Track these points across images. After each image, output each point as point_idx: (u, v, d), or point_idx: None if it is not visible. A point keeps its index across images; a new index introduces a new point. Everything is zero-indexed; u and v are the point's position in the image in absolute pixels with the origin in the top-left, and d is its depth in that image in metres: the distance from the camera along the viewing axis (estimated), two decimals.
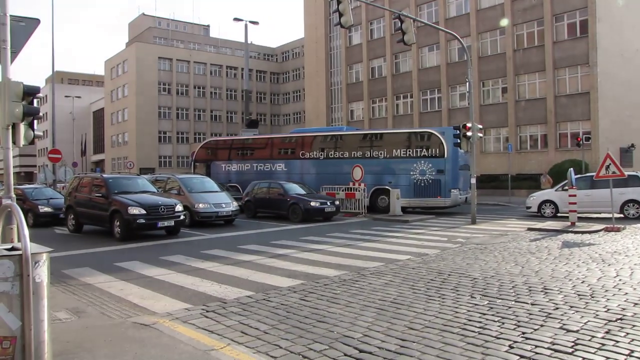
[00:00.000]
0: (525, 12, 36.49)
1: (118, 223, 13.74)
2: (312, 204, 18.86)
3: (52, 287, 6.96)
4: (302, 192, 20.16)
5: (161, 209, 13.98)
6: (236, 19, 35.70)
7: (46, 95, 74.36)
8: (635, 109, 37.45)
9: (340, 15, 15.58)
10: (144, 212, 13.57)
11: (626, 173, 16.27)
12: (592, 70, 33.20)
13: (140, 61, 63.68)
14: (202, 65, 69.19)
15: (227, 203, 17.81)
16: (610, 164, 14.61)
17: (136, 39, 75.61)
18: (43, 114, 76.00)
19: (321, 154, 24.43)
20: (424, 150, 21.60)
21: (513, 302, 6.44)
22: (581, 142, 27.61)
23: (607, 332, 5.20)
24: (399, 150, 22.20)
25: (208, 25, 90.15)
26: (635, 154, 34.96)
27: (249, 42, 41.23)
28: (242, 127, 44.48)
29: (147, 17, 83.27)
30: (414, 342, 5.03)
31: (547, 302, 6.42)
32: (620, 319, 5.67)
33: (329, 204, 19.27)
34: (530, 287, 7.27)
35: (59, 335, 5.25)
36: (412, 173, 21.28)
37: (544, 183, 24.36)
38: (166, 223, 14.00)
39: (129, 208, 13.50)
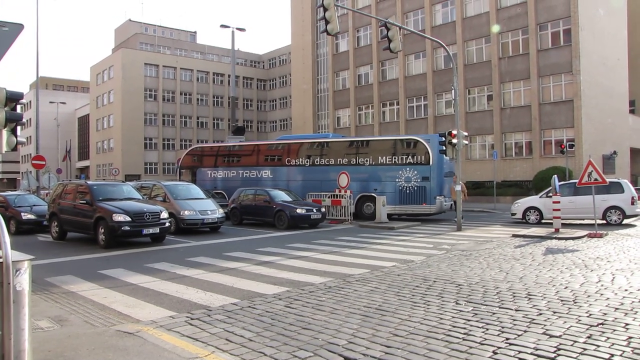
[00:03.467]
0: (510, 21, 36.96)
1: (102, 230, 13.61)
2: (298, 211, 18.85)
3: (34, 295, 6.91)
4: (288, 199, 20.14)
5: (146, 216, 13.88)
6: (223, 26, 35.63)
7: (30, 101, 73.70)
8: (617, 116, 38.09)
9: (327, 22, 15.65)
10: (128, 219, 13.46)
11: (608, 180, 16.51)
12: (575, 78, 33.69)
13: (126, 67, 63.38)
14: (189, 71, 69.05)
15: (212, 210, 17.75)
16: (592, 170, 14.80)
17: (122, 45, 75.21)
18: (27, 120, 75.30)
19: (307, 161, 24.45)
20: (410, 157, 21.72)
21: (497, 308, 6.48)
22: (565, 149, 27.96)
23: (588, 337, 5.26)
24: (384, 157, 22.31)
25: (195, 32, 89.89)
26: (617, 161, 35.47)
27: (235, 48, 41.26)
28: (229, 134, 44.40)
29: (134, 23, 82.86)
30: (398, 349, 5.04)
31: (531, 307, 6.47)
32: (602, 323, 5.73)
33: (315, 211, 19.27)
34: (514, 293, 7.32)
35: (41, 344, 5.19)
36: (397, 180, 21.39)
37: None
38: (151, 230, 13.90)
39: (114, 215, 13.39)
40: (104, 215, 13.60)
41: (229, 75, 66.05)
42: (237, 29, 36.22)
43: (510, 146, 37.53)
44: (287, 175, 24.85)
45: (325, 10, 15.61)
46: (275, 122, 73.55)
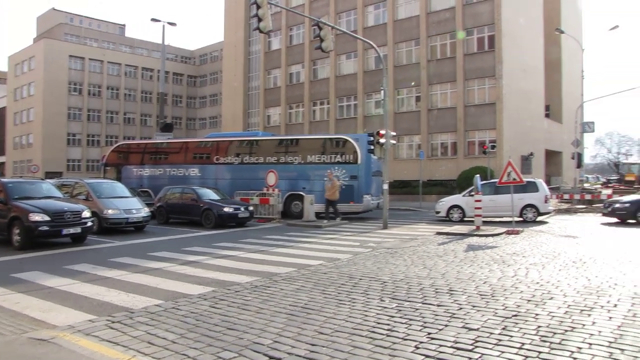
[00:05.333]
0: (439, 25, 38.16)
1: (18, 231, 12.85)
2: (226, 209, 18.61)
3: None
4: (216, 197, 19.85)
5: (67, 215, 13.24)
6: (154, 20, 34.64)
7: None
8: (534, 120, 40.26)
9: (259, 20, 15.55)
10: (47, 218, 12.78)
11: (525, 180, 17.44)
12: (498, 83, 35.28)
13: (49, 58, 60.30)
14: (117, 65, 66.67)
15: (138, 209, 17.20)
16: (511, 171, 15.57)
17: (45, 35, 71.51)
18: None
19: (236, 159, 24.20)
20: (338, 156, 21.97)
21: (420, 304, 6.67)
22: (487, 150, 29.18)
23: (503, 329, 5.52)
24: (313, 156, 22.45)
25: (124, 25, 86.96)
26: (534, 162, 37.46)
27: (166, 43, 40.16)
28: (156, 131, 43.16)
29: (58, 12, 78.99)
30: (323, 347, 5.09)
31: (452, 302, 6.71)
32: (515, 315, 6.04)
33: (242, 209, 19.09)
34: (436, 289, 7.57)
35: None
36: (326, 179, 21.56)
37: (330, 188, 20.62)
38: (72, 230, 13.26)
39: (31, 214, 12.67)
40: (19, 214, 12.84)
41: (158, 71, 64.37)
42: (168, 23, 35.34)
43: (436, 146, 38.76)
44: (216, 173, 24.49)
45: (258, 7, 15.51)
46: (205, 119, 72.31)
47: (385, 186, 18.47)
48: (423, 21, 38.78)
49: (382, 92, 19.46)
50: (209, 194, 19.91)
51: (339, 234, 16.35)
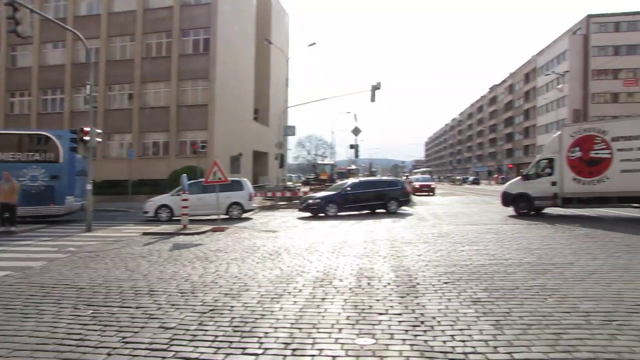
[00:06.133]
0: (156, 23, 37.37)
1: None
2: None
3: None
4: None
5: None
6: None
7: None
8: (244, 122, 42.74)
9: None
10: None
11: (231, 178, 18.37)
12: (211, 85, 36.33)
13: None
14: None
15: None
16: (217, 170, 16.20)
17: None
18: None
19: None
20: (38, 154, 19.75)
21: (117, 308, 6.41)
22: (198, 150, 29.76)
23: (200, 324, 5.68)
24: (7, 154, 19.65)
25: None
26: (242, 162, 39.68)
27: None
28: None
29: None
30: None
31: (151, 303, 6.62)
32: (212, 310, 6.27)
33: None
34: (137, 290, 7.37)
35: None
36: (22, 179, 19.01)
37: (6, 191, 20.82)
38: None
39: None
40: None
41: None
42: None
43: (148, 146, 37.94)
44: None
45: None
46: None
47: (89, 186, 17.23)
48: (140, 17, 37.56)
49: (88, 87, 18.09)
50: None
51: (35, 239, 14.57)
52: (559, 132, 19.91)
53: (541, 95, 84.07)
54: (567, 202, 18.99)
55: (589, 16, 74.45)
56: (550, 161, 19.54)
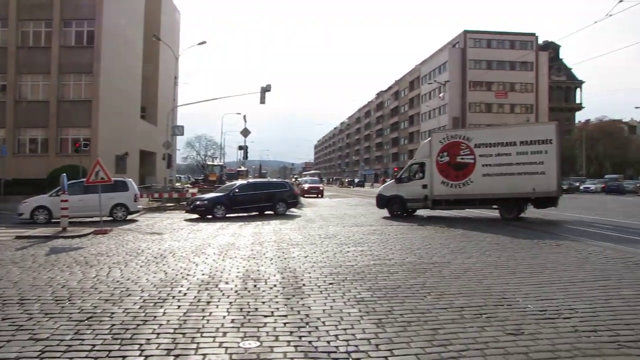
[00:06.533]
0: (33, 9, 34.58)
1: None
2: None
3: None
4: None
5: None
6: None
7: None
8: (131, 120, 41.01)
9: None
10: None
11: (116, 179, 17.55)
12: (95, 80, 34.41)
13: None
14: None
15: None
16: (99, 170, 15.44)
17: None
18: None
19: None
20: None
21: None
22: (80, 148, 28.08)
23: (76, 333, 5.38)
24: None
25: None
26: (129, 161, 38.08)
27: None
28: None
29: None
30: None
31: (21, 313, 6.17)
32: (91, 317, 5.96)
33: None
34: (4, 300, 6.82)
35: None
36: None
37: None
38: None
39: None
40: None
41: None
42: None
43: (24, 142, 35.15)
44: None
45: None
46: None
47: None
48: (14, 1, 34.51)
49: None
50: None
51: None
52: (429, 138, 21.26)
53: (425, 102, 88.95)
54: (437, 203, 20.34)
55: (466, 32, 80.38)
56: (422, 165, 20.78)
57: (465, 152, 19.58)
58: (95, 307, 6.44)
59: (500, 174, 19.03)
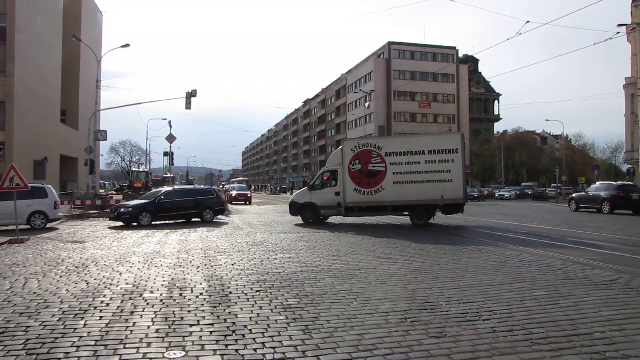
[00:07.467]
0: None
1: None
2: None
3: None
4: None
5: None
6: None
7: None
8: (50, 124, 39.09)
9: None
10: None
11: (33, 185, 16.71)
12: (9, 80, 32.59)
13: None
14: None
15: None
16: (14, 175, 14.76)
17: None
18: None
19: None
20: None
21: None
22: None
23: None
24: None
25: None
26: (49, 167, 36.29)
27: None
28: None
29: None
30: None
31: None
32: (2, 333, 5.63)
33: None
34: None
35: None
36: None
37: None
38: None
39: None
40: None
41: None
42: None
43: None
44: None
45: None
46: None
47: None
48: None
49: None
50: None
51: None
52: (341, 147, 21.72)
53: (351, 111, 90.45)
54: (350, 210, 20.79)
55: (390, 43, 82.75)
56: (334, 173, 21.17)
57: (377, 160, 20.15)
58: (9, 321, 6.10)
59: (411, 182, 19.75)
